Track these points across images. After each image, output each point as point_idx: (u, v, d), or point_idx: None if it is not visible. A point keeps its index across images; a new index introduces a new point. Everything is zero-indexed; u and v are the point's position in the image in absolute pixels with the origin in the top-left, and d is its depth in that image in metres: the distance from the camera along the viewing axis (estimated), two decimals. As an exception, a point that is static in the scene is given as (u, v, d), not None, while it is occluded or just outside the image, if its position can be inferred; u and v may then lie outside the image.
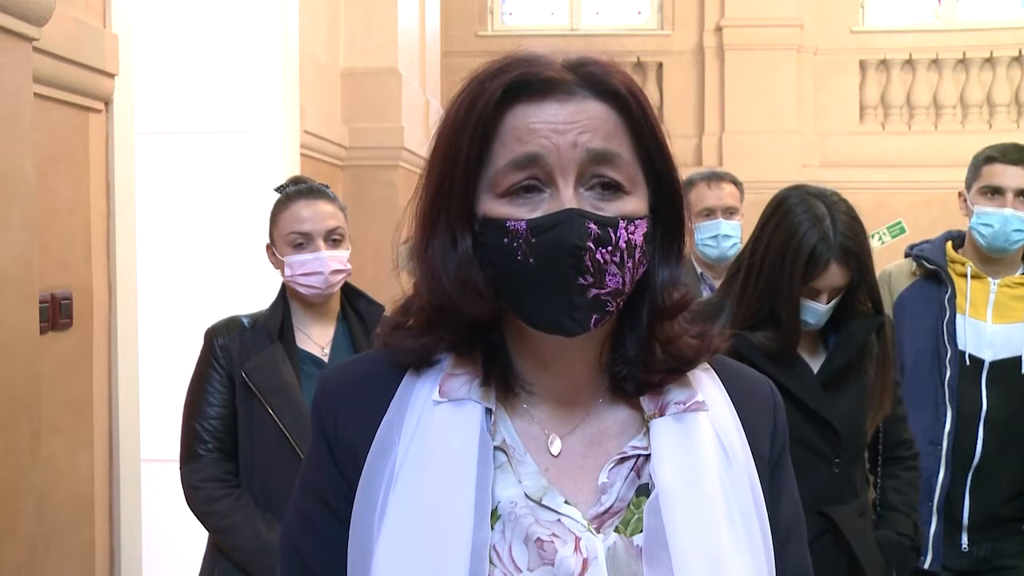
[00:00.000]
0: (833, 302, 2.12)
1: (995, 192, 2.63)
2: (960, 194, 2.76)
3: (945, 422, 2.59)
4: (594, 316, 0.94)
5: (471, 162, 0.96)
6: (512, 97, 0.96)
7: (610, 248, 0.93)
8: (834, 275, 2.09)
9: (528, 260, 0.93)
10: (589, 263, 0.92)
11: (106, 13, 2.90)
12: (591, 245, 0.92)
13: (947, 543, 2.60)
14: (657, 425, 0.99)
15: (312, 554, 1.02)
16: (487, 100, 0.95)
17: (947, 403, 2.60)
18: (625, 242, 0.94)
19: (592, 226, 0.92)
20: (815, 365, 2.16)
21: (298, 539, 1.04)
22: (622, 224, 0.94)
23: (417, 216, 1.01)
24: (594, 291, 0.93)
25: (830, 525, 2.09)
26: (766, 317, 2.13)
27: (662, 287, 1.00)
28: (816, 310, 2.11)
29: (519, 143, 0.95)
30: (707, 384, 1.03)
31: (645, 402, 1.01)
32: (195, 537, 2.49)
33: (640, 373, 1.00)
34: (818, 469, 2.11)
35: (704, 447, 0.98)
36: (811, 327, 2.16)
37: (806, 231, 2.07)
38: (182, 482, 2.38)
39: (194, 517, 2.40)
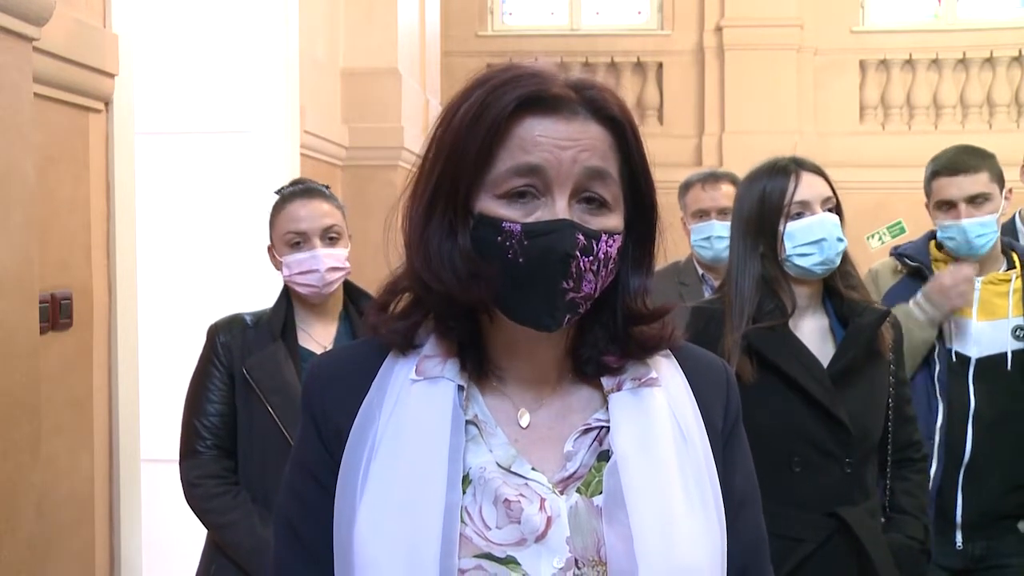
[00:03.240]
0: (826, 214, 2.13)
1: (948, 206, 2.65)
2: (926, 204, 2.77)
3: (937, 415, 2.60)
4: (568, 315, 1.04)
5: (478, 164, 1.03)
6: (522, 108, 1.04)
7: (591, 258, 1.03)
8: (811, 183, 2.15)
9: (518, 260, 1.02)
10: (573, 270, 1.02)
11: (106, 13, 2.91)
12: (578, 254, 1.02)
13: (940, 541, 2.60)
14: (615, 399, 1.09)
15: (302, 524, 1.11)
16: (501, 109, 1.03)
17: (938, 397, 2.61)
18: (603, 254, 1.04)
19: (580, 237, 1.02)
20: (824, 360, 2.14)
21: (290, 512, 1.13)
22: (604, 238, 1.04)
23: (413, 202, 1.08)
24: (571, 295, 1.03)
25: (841, 526, 2.06)
26: (767, 296, 2.14)
27: (635, 293, 1.11)
28: (810, 226, 2.12)
29: (524, 152, 1.03)
30: (663, 364, 1.14)
31: (605, 380, 1.11)
32: (195, 536, 2.50)
33: (602, 358, 1.11)
34: (829, 469, 2.09)
35: (658, 418, 1.08)
36: (817, 268, 2.14)
37: (768, 174, 2.20)
38: (181, 478, 2.39)
39: (193, 514, 2.41)
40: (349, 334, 2.46)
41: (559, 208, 1.02)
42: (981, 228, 2.61)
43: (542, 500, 1.04)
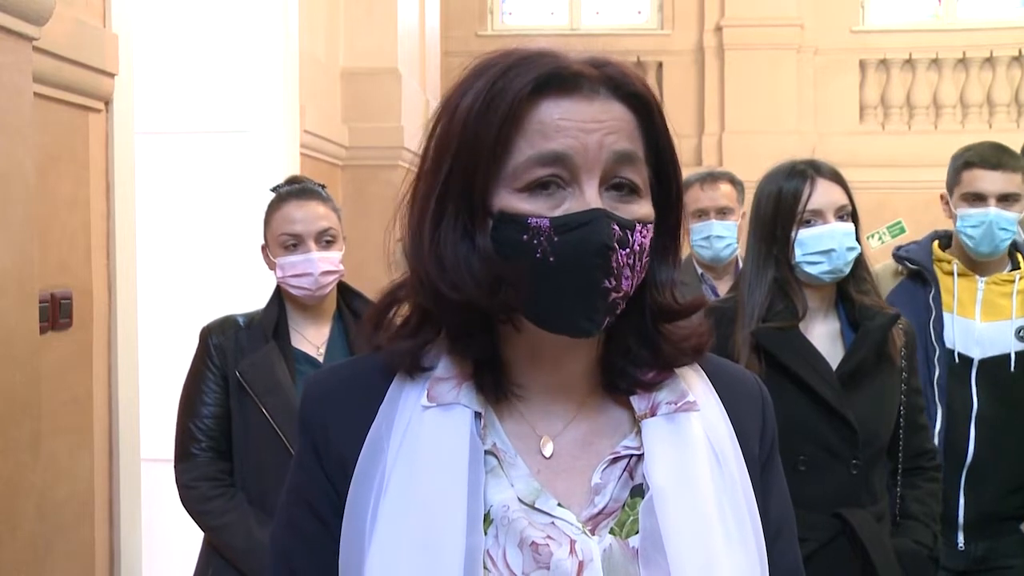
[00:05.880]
0: (838, 223, 2.12)
1: (977, 198, 2.60)
2: (942, 196, 2.75)
3: (935, 420, 2.59)
4: (607, 317, 0.94)
5: (494, 155, 0.93)
6: (537, 91, 0.94)
7: (627, 251, 0.92)
8: (826, 191, 2.14)
9: (548, 259, 0.91)
10: (614, 265, 0.91)
11: (106, 13, 2.91)
12: (616, 246, 0.91)
13: (943, 542, 2.60)
14: (648, 425, 0.98)
15: (301, 562, 1.01)
16: (516, 92, 0.93)
17: (936, 402, 2.59)
18: (639, 245, 0.94)
19: (616, 228, 0.92)
20: (834, 364, 2.15)
21: (287, 547, 1.02)
22: (639, 227, 0.94)
23: (414, 205, 0.98)
24: (613, 295, 0.93)
25: (845, 528, 2.06)
26: (779, 297, 2.15)
27: (663, 288, 1.00)
28: (820, 235, 2.11)
29: (545, 139, 0.93)
30: (696, 384, 1.03)
31: (635, 401, 1.00)
32: (194, 536, 2.50)
33: (635, 370, 1.00)
34: (835, 470, 2.09)
35: (696, 447, 0.97)
36: (825, 277, 2.14)
37: (785, 177, 2.18)
38: (176, 481, 2.39)
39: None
40: (342, 335, 2.45)
41: (589, 197, 0.91)
42: (1007, 223, 2.58)
43: (572, 542, 0.93)
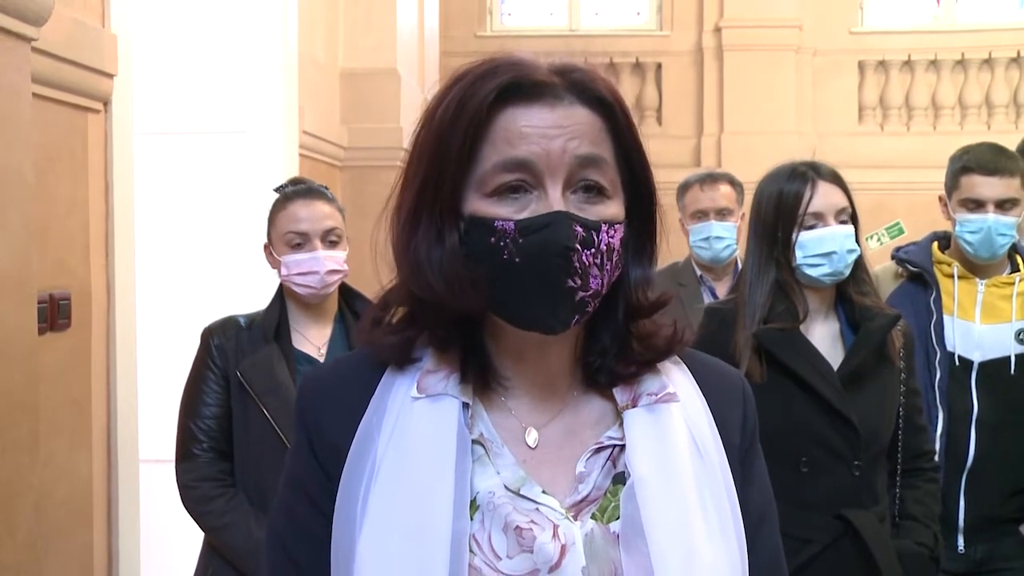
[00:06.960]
0: (838, 226, 2.13)
1: (975, 204, 2.59)
2: (941, 198, 2.74)
3: (936, 424, 2.58)
4: (575, 316, 0.98)
5: (462, 161, 0.98)
6: (502, 99, 0.98)
7: (593, 251, 0.96)
8: (827, 193, 2.15)
9: (514, 260, 0.96)
10: (577, 265, 0.95)
11: (105, 13, 2.90)
12: (578, 247, 0.95)
13: (943, 544, 2.60)
14: (630, 416, 1.02)
15: (296, 547, 1.04)
16: (480, 101, 0.97)
17: (938, 405, 2.59)
18: (606, 245, 0.97)
19: (578, 229, 0.96)
20: (835, 365, 2.15)
21: (283, 532, 1.06)
22: (604, 228, 0.98)
23: (399, 212, 1.03)
24: (580, 294, 0.96)
25: (848, 529, 2.07)
26: (779, 298, 2.15)
27: (636, 286, 1.04)
28: (821, 238, 2.12)
29: (509, 146, 0.97)
30: (678, 377, 1.07)
31: (618, 393, 1.04)
32: (193, 537, 2.50)
33: (614, 365, 1.04)
34: (837, 471, 2.10)
35: (676, 437, 1.01)
36: (825, 279, 2.15)
37: (786, 179, 2.19)
38: (177, 481, 2.39)
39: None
40: (344, 336, 2.46)
41: (553, 200, 0.96)
42: (1006, 228, 2.58)
43: (555, 527, 0.97)
